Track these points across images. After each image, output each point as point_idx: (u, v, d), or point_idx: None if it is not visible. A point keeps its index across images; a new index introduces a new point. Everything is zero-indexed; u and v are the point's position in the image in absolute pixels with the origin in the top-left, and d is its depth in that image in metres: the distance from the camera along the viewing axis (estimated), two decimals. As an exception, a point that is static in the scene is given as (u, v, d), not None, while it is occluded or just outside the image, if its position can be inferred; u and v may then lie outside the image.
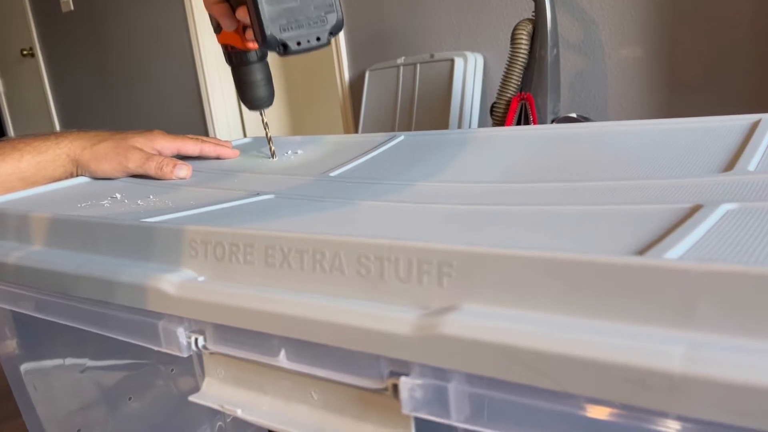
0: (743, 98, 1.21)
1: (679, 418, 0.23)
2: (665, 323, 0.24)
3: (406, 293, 0.30)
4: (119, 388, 0.65)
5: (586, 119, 1.20)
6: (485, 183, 0.46)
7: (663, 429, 0.23)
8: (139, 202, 0.52)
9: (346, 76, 1.94)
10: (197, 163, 0.69)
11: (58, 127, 3.24)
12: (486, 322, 0.26)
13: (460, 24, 1.61)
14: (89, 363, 0.63)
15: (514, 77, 1.28)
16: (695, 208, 0.33)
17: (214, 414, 0.56)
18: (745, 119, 0.52)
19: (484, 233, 0.35)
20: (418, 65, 1.65)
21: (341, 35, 1.90)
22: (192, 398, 0.39)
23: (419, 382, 0.29)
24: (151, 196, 0.54)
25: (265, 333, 0.34)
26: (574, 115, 1.25)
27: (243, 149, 0.74)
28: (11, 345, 0.60)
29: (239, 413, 0.37)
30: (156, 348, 0.39)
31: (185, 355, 0.38)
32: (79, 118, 3.10)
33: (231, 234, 0.36)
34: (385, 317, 0.29)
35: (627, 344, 0.23)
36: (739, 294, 0.22)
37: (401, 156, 0.60)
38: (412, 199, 0.44)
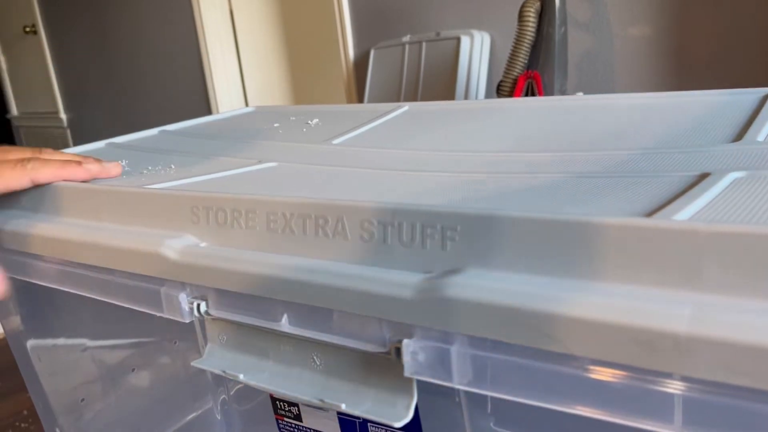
0: (754, 77, 1.20)
1: (683, 378, 0.22)
2: (672, 284, 0.23)
3: (410, 257, 0.30)
4: (123, 363, 0.65)
5: (592, 98, 1.19)
6: (490, 152, 0.45)
7: (668, 390, 0.23)
8: (143, 171, 0.52)
9: (351, 54, 1.93)
10: (201, 128, 0.70)
11: (60, 105, 3.23)
12: (490, 285, 0.26)
13: (467, 1, 1.59)
14: (90, 343, 0.63)
15: (521, 55, 1.27)
16: (703, 176, 0.32)
17: (217, 387, 0.56)
18: (756, 92, 0.52)
19: (488, 199, 0.35)
20: (424, 43, 1.63)
21: (345, 12, 1.88)
22: (194, 363, 0.39)
23: (421, 344, 0.29)
24: (157, 165, 0.53)
25: (267, 298, 0.34)
26: (580, 94, 1.24)
27: (247, 118, 0.74)
28: (15, 321, 0.60)
29: (241, 378, 0.37)
30: (158, 314, 0.39)
31: (187, 320, 0.38)
32: (82, 94, 3.09)
33: (233, 200, 0.36)
34: (388, 281, 0.29)
35: (634, 306, 0.23)
36: (744, 254, 0.22)
37: (405, 125, 0.60)
38: (414, 167, 0.43)
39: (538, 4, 1.25)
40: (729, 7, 1.20)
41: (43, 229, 0.45)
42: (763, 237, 0.22)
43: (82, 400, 0.63)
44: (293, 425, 0.42)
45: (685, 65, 1.28)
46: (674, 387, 0.23)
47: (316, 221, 0.33)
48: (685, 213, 0.27)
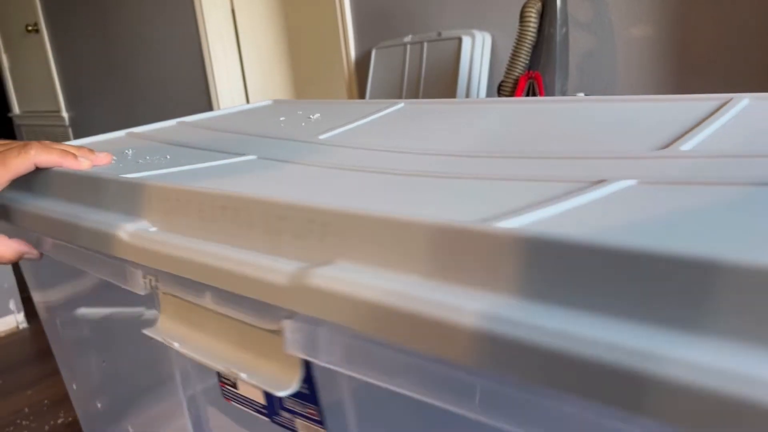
0: (757, 79, 1.19)
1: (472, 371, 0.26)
2: (474, 284, 0.26)
3: (299, 249, 0.34)
4: (105, 339, 0.70)
5: (594, 99, 1.19)
6: (435, 154, 0.48)
7: (469, 378, 0.27)
8: (139, 160, 0.57)
9: (352, 54, 1.93)
10: (214, 120, 0.73)
11: (62, 103, 3.23)
12: (349, 277, 0.30)
13: (468, 2, 1.59)
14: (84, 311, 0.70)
15: (523, 56, 1.26)
16: (596, 183, 0.33)
17: (186, 387, 0.58)
18: (717, 98, 0.51)
19: (394, 198, 0.38)
20: (425, 43, 1.63)
21: (347, 12, 1.88)
22: (144, 331, 0.45)
23: (296, 326, 0.33)
24: (156, 155, 0.59)
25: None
26: (582, 94, 1.24)
27: (261, 111, 0.77)
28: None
29: (176, 346, 0.43)
30: (123, 285, 0.46)
31: (143, 293, 0.45)
32: (84, 93, 3.10)
33: (175, 190, 0.41)
34: (270, 269, 0.33)
35: (443, 301, 0.26)
36: (540, 258, 0.25)
37: (390, 123, 0.62)
38: (363, 167, 0.46)
39: (539, 5, 1.25)
40: (731, 7, 1.20)
41: (38, 209, 0.52)
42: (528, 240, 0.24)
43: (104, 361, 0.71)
44: (233, 392, 0.46)
45: (687, 65, 1.28)
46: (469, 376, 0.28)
47: (233, 212, 0.38)
48: (525, 219, 0.29)
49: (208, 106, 2.39)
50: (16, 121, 3.65)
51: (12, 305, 1.69)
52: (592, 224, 0.27)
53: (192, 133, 0.69)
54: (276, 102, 0.85)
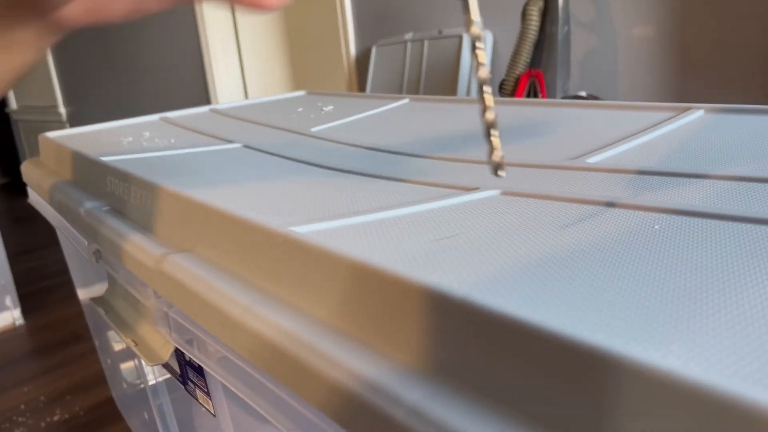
0: (758, 80, 1.19)
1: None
2: (283, 284, 0.28)
3: (175, 234, 0.37)
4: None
5: (594, 98, 1.19)
6: (372, 149, 0.51)
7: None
8: (144, 141, 0.63)
9: (352, 51, 1.92)
10: (241, 109, 0.79)
11: (59, 99, 3.22)
12: (190, 267, 0.32)
13: (470, 0, 1.59)
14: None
15: (524, 54, 1.26)
16: (469, 190, 0.35)
17: (155, 397, 0.60)
18: (674, 108, 0.50)
19: (303, 193, 0.40)
20: (426, 41, 1.63)
21: (347, 8, 1.88)
22: (89, 298, 0.52)
23: (158, 305, 0.36)
24: (166, 138, 0.65)
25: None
26: (583, 93, 1.23)
27: (288, 102, 0.81)
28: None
29: (101, 312, 0.49)
30: (86, 257, 0.50)
31: (94, 265, 0.50)
32: (81, 88, 3.08)
33: (122, 174, 0.45)
34: (145, 250, 0.36)
35: (249, 305, 0.28)
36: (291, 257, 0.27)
37: (386, 119, 0.65)
38: (312, 160, 0.49)
39: (541, 3, 1.25)
40: (732, 8, 1.20)
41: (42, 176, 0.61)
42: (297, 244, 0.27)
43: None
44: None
45: (688, 65, 1.28)
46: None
47: (143, 197, 0.41)
48: (332, 224, 0.31)
49: (206, 103, 2.38)
50: (13, 117, 3.63)
51: (8, 301, 1.68)
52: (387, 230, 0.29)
53: (212, 120, 0.75)
54: (308, 93, 0.91)
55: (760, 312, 0.18)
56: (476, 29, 0.25)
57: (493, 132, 0.26)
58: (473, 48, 0.26)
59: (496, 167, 0.26)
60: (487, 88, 0.26)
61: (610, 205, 0.30)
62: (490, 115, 0.26)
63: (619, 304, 0.20)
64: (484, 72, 0.26)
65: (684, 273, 0.22)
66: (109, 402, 1.07)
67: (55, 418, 1.21)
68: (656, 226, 0.27)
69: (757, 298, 0.19)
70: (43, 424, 1.19)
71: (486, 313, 0.19)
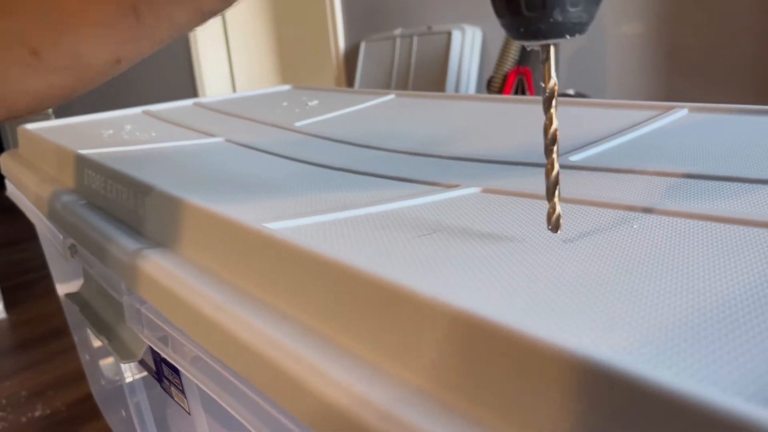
0: (747, 79, 1.20)
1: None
2: (254, 281, 0.28)
3: (151, 230, 0.36)
4: None
5: (582, 96, 1.18)
6: (358, 146, 0.51)
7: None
8: (125, 134, 0.63)
9: (341, 46, 1.91)
10: (225, 103, 0.78)
11: (46, 91, 3.19)
12: (158, 260, 0.32)
13: (459, -4, 1.58)
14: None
15: (512, 51, 1.26)
16: (450, 187, 0.35)
17: (132, 395, 0.60)
18: (658, 106, 0.50)
19: (276, 187, 0.40)
20: (415, 37, 1.62)
21: (337, 4, 1.87)
22: (65, 294, 0.51)
23: (131, 301, 0.36)
24: (146, 131, 0.64)
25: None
26: (571, 91, 1.23)
27: (273, 96, 0.81)
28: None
29: (77, 310, 0.49)
30: (60, 249, 0.50)
31: (68, 260, 0.49)
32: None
33: (99, 167, 0.45)
34: (118, 245, 0.36)
35: (221, 302, 0.28)
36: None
37: (365, 116, 0.65)
38: (289, 154, 0.49)
39: (530, 0, 1.24)
40: (721, 7, 1.20)
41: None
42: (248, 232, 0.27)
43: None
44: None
45: (677, 64, 1.28)
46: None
47: (119, 190, 0.41)
48: (306, 221, 0.31)
49: (193, 87, 2.36)
50: (-2, 108, 3.59)
51: (-10, 295, 1.66)
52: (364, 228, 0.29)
53: (195, 114, 0.75)
54: (294, 88, 0.91)
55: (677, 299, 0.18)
56: (553, 84, 0.24)
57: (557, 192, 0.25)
58: (547, 107, 0.24)
59: (556, 227, 0.24)
60: (555, 148, 0.24)
61: (590, 203, 0.30)
62: (554, 176, 0.24)
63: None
64: (553, 130, 0.24)
65: (651, 269, 0.22)
66: (91, 398, 1.06)
67: (37, 413, 1.20)
68: (635, 225, 0.27)
69: (673, 285, 0.19)
70: (24, 419, 1.18)
71: (449, 308, 0.19)
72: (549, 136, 0.25)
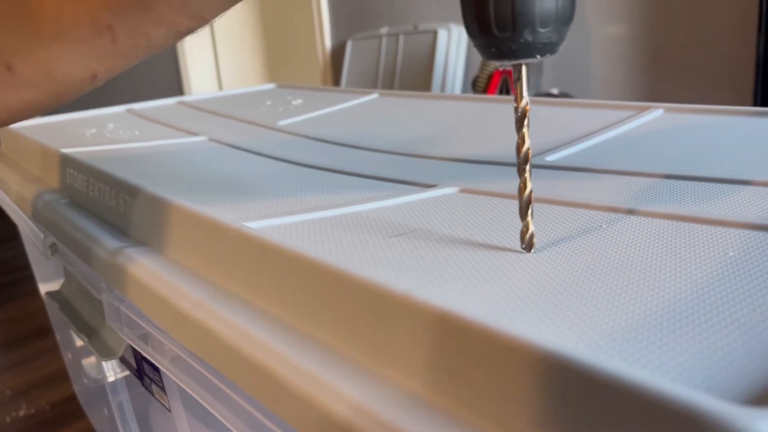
0: (730, 79, 1.21)
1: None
2: (235, 281, 0.28)
3: (132, 228, 0.36)
4: None
5: (567, 96, 1.20)
6: (345, 146, 0.51)
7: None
8: (108, 132, 0.63)
9: (328, 45, 1.91)
10: (209, 102, 0.78)
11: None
12: (137, 258, 0.32)
13: (445, -5, 1.59)
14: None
15: (497, 51, 1.26)
16: (428, 187, 0.36)
17: (114, 394, 0.60)
18: (634, 107, 0.51)
19: (260, 186, 0.41)
20: (401, 36, 1.62)
21: (323, 2, 1.87)
22: (46, 292, 0.50)
23: (110, 299, 0.36)
24: (130, 130, 0.65)
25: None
26: (555, 91, 1.24)
27: (258, 95, 0.81)
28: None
29: (56, 307, 0.48)
30: (41, 251, 0.50)
31: (48, 258, 0.48)
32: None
33: (80, 165, 0.45)
34: (99, 243, 0.36)
35: (201, 300, 0.28)
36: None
37: (348, 115, 0.65)
38: (272, 153, 0.49)
39: (515, 0, 1.25)
40: (705, 9, 1.22)
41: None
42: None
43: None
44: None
45: (660, 64, 1.29)
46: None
47: (102, 189, 0.41)
48: (285, 220, 0.31)
49: (179, 85, 2.35)
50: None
51: (-26, 294, 1.64)
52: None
53: (179, 112, 0.74)
54: (278, 86, 0.91)
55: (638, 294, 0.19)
56: (525, 104, 0.24)
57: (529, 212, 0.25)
58: (519, 126, 0.25)
59: (530, 246, 0.25)
60: (527, 167, 0.25)
61: (563, 204, 0.31)
62: (527, 195, 0.25)
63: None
64: (525, 149, 0.24)
65: (617, 269, 0.22)
66: (76, 397, 1.06)
67: (21, 412, 1.19)
68: (603, 225, 0.27)
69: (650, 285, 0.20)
70: (8, 419, 1.17)
71: (428, 308, 0.19)
72: (521, 155, 0.25)
